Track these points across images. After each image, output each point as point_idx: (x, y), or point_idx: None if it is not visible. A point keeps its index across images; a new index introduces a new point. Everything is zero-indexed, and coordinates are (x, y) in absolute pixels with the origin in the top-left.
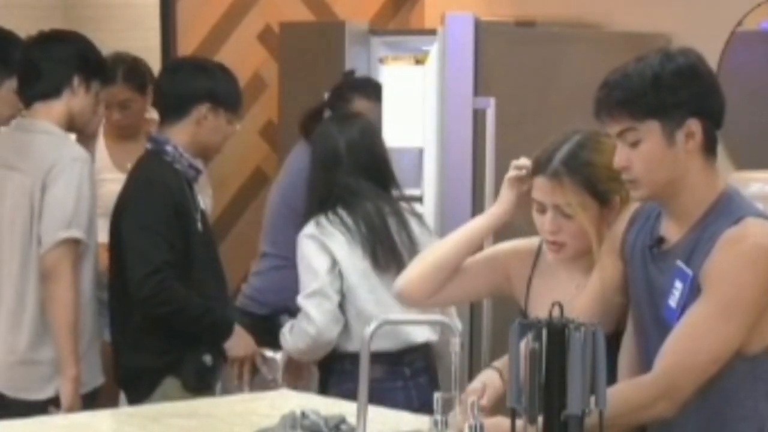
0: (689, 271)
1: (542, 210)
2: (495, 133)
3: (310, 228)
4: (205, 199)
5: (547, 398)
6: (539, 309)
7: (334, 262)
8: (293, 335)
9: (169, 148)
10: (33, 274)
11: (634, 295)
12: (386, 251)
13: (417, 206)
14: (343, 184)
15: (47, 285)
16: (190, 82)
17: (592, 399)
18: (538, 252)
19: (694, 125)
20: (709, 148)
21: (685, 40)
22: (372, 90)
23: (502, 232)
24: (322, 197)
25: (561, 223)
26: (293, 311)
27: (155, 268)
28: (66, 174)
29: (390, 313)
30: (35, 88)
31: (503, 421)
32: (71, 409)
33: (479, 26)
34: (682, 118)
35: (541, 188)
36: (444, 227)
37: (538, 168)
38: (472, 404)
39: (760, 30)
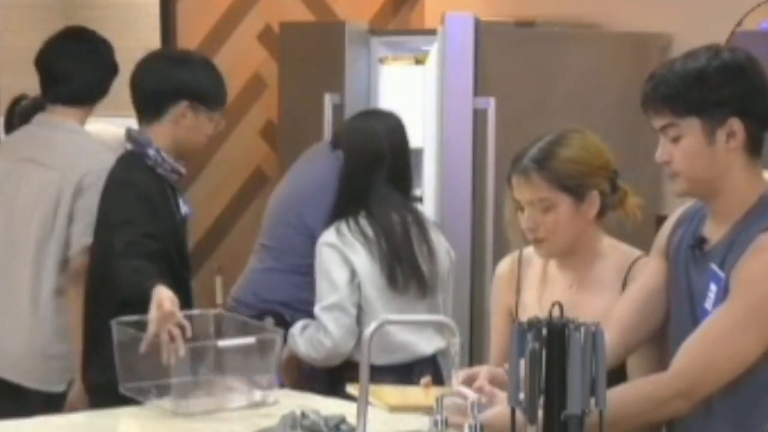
0: (722, 274)
1: (521, 208)
2: (495, 133)
3: (330, 236)
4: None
5: (547, 398)
6: (531, 314)
7: (353, 274)
8: (307, 343)
9: (150, 152)
10: (50, 268)
11: (675, 296)
12: (406, 270)
13: (417, 206)
14: (376, 190)
15: (73, 287)
16: (166, 77)
17: (592, 399)
18: (519, 260)
19: (735, 125)
20: (752, 148)
21: (685, 40)
22: None
23: (502, 239)
24: (352, 199)
25: (537, 219)
26: (276, 314)
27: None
28: (101, 181)
29: (403, 331)
30: (66, 91)
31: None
32: (76, 408)
33: (479, 26)
34: (723, 117)
35: (515, 186)
36: (444, 227)
37: (512, 167)
38: (472, 404)
39: (760, 30)
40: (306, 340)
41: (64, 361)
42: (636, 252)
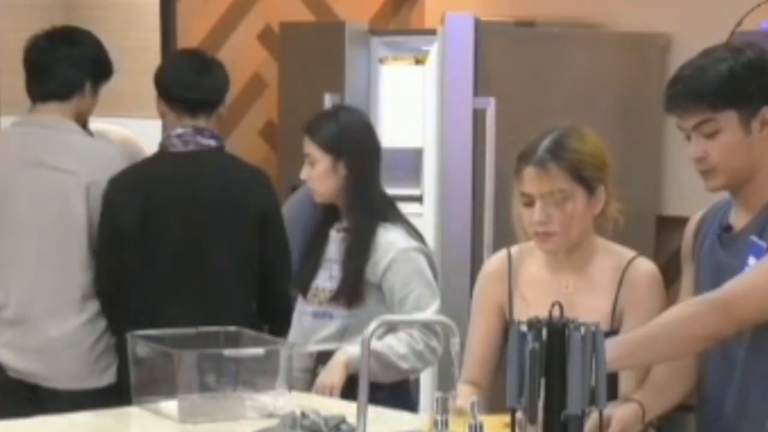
0: (763, 243)
1: (530, 203)
2: (495, 133)
3: (410, 241)
4: None
5: (547, 398)
6: (526, 315)
7: (435, 279)
8: (411, 355)
9: (226, 145)
10: (78, 269)
11: (699, 286)
12: None
13: (417, 206)
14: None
15: None
16: (224, 77)
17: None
18: (509, 260)
19: (767, 113)
20: None
21: (685, 40)
22: None
23: (501, 239)
24: (388, 201)
25: (550, 212)
26: None
27: None
28: None
29: None
30: (46, 89)
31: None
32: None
33: (479, 26)
34: (756, 107)
35: (528, 178)
36: (444, 227)
37: (523, 160)
38: (472, 404)
39: (760, 30)
40: (409, 353)
41: (108, 355)
42: (630, 253)
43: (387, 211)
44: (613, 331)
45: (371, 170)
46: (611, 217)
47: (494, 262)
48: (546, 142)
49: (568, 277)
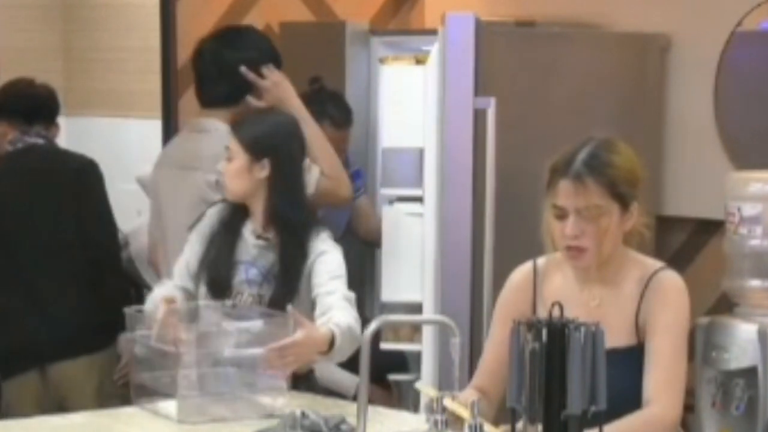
0: None
1: (562, 216)
2: (495, 133)
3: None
4: None
5: (547, 398)
6: None
7: None
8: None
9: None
10: None
11: None
12: None
13: (417, 206)
14: None
15: None
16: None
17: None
18: (534, 272)
19: None
20: None
21: (685, 40)
22: (345, 119)
23: (502, 239)
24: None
25: (583, 226)
26: None
27: None
28: None
29: None
30: (217, 93)
31: None
32: None
33: (479, 26)
34: None
35: (564, 191)
36: (444, 227)
37: (558, 172)
38: (472, 404)
39: (760, 30)
40: (355, 325)
41: None
42: (657, 264)
43: (312, 217)
44: (639, 345)
45: (295, 175)
46: (636, 232)
47: (520, 273)
48: (583, 155)
49: (595, 291)
